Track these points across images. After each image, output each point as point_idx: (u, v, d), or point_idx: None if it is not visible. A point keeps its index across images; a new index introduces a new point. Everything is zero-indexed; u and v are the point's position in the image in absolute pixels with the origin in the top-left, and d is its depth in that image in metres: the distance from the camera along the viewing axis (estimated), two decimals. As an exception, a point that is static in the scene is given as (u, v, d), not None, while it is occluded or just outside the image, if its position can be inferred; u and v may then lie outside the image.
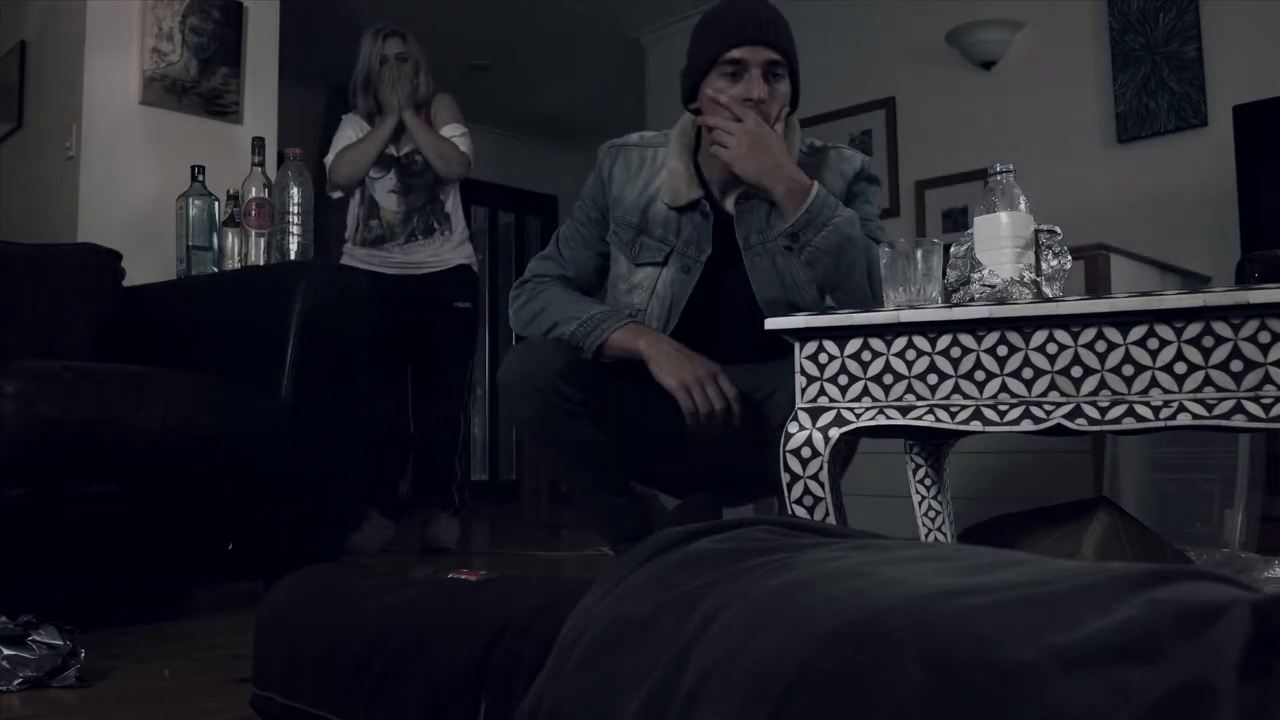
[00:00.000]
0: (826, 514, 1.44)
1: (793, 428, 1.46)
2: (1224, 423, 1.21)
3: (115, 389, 1.96)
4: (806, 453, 1.44)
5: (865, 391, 1.43)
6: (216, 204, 2.79)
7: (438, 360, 3.46)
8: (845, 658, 0.61)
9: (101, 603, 1.96)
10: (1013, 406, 1.34)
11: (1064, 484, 2.54)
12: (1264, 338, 1.20)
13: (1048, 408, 1.31)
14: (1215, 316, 1.22)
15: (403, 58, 3.38)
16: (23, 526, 1.85)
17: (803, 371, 1.48)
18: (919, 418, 1.39)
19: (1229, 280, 2.56)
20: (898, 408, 1.41)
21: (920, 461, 1.91)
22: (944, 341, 1.38)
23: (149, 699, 1.42)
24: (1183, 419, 1.24)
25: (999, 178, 1.46)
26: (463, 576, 1.33)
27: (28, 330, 2.43)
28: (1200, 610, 0.57)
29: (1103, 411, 1.28)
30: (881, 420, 1.42)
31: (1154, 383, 1.25)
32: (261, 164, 2.76)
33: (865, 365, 1.43)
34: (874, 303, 1.60)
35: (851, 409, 1.44)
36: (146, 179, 3.04)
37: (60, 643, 1.45)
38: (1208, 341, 1.23)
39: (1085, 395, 1.29)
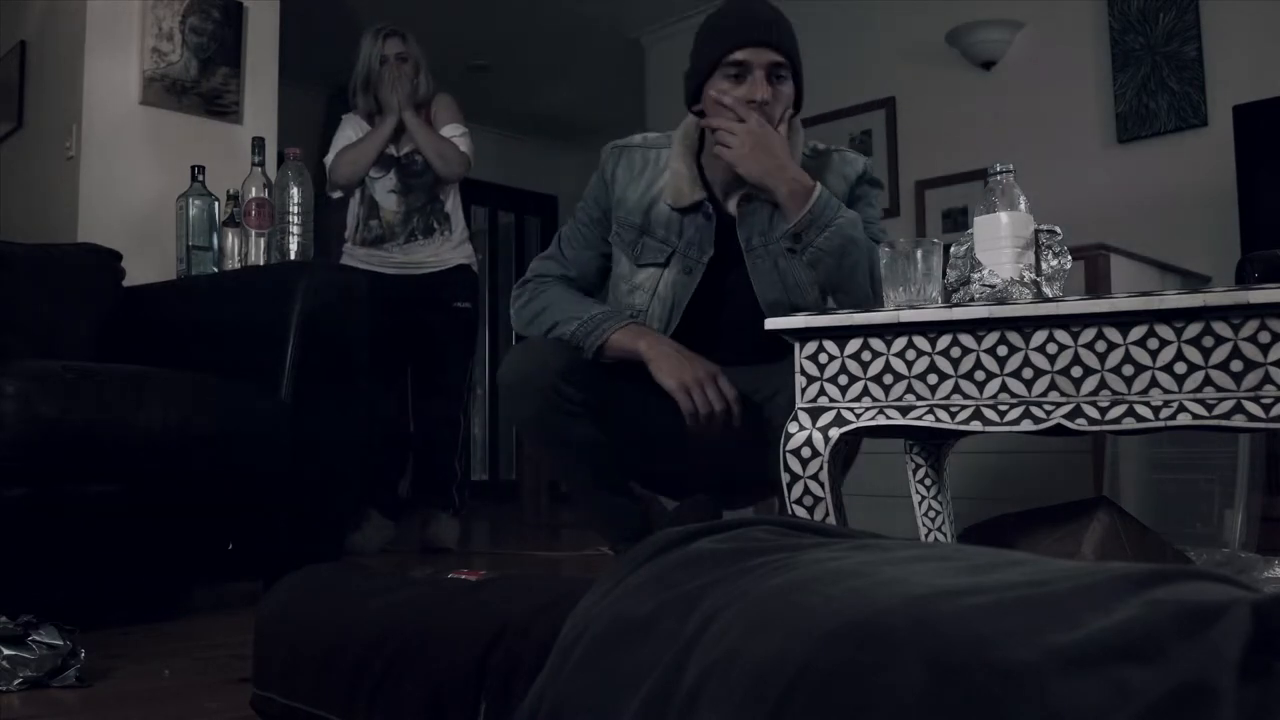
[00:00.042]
0: (826, 514, 1.44)
1: (793, 428, 1.46)
2: (1224, 423, 1.21)
3: (115, 389, 1.96)
4: (806, 453, 1.44)
5: (865, 391, 1.43)
6: (216, 204, 2.79)
7: (438, 360, 3.46)
8: (845, 658, 0.61)
9: (101, 603, 1.96)
10: (1013, 406, 1.34)
11: (1064, 484, 2.54)
12: (1264, 338, 1.20)
13: (1048, 408, 1.31)
14: (1215, 316, 1.22)
15: (403, 58, 3.38)
16: (23, 526, 1.85)
17: (803, 371, 1.48)
18: (919, 418, 1.39)
19: (1229, 280, 2.56)
20: (898, 408, 1.41)
21: (920, 461, 1.91)
22: (944, 341, 1.38)
23: (149, 699, 1.42)
24: (1183, 419, 1.24)
25: (999, 178, 1.46)
26: (463, 576, 1.33)
27: (28, 330, 2.43)
28: (1200, 610, 0.57)
29: (1103, 411, 1.28)
30: (881, 420, 1.42)
31: (1154, 383, 1.25)
32: (261, 164, 2.76)
33: (865, 365, 1.43)
34: (875, 304, 1.60)
35: (851, 409, 1.44)
36: (146, 179, 3.04)
37: (60, 643, 1.45)
38: (1208, 341, 1.23)
39: (1085, 395, 1.29)
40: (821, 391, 1.46)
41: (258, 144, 2.80)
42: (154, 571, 2.10)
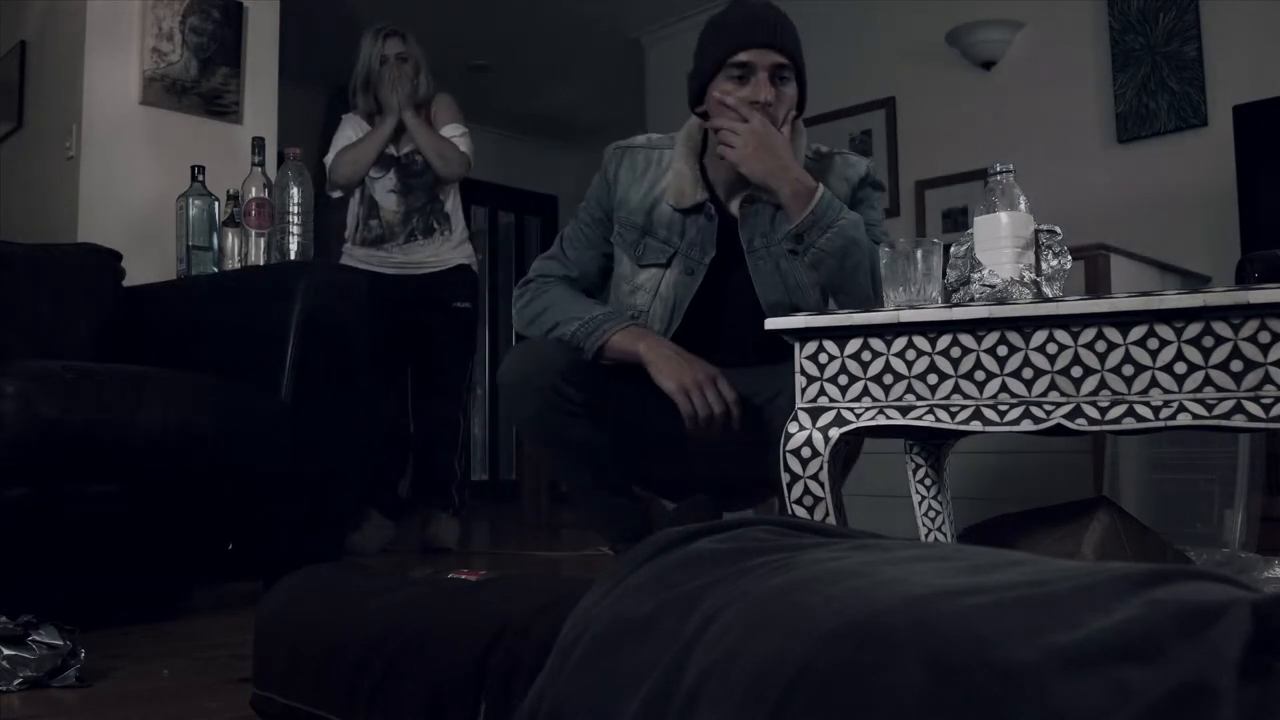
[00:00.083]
0: (826, 514, 1.44)
1: (793, 428, 1.46)
2: (1224, 423, 1.21)
3: (115, 389, 1.96)
4: (806, 453, 1.44)
5: (865, 391, 1.43)
6: (216, 204, 2.79)
7: (437, 360, 3.46)
8: (845, 658, 0.61)
9: (101, 603, 1.96)
10: (1013, 406, 1.34)
11: (1064, 484, 2.54)
12: (1264, 338, 1.20)
13: (1048, 408, 1.31)
14: (1215, 316, 1.22)
15: (403, 58, 3.38)
16: (23, 526, 1.85)
17: (803, 371, 1.48)
18: (919, 418, 1.39)
19: (1229, 280, 2.56)
20: (898, 408, 1.41)
21: (920, 461, 1.91)
22: (944, 341, 1.38)
23: (149, 699, 1.42)
24: (1183, 419, 1.24)
25: (999, 178, 1.46)
26: (463, 576, 1.33)
27: (28, 330, 2.43)
28: (1200, 610, 0.57)
29: (1103, 411, 1.28)
30: (881, 420, 1.42)
31: (1154, 383, 1.25)
32: (261, 164, 2.76)
33: (865, 365, 1.43)
34: (876, 305, 1.60)
35: (851, 409, 1.44)
36: (146, 179, 3.04)
37: (60, 643, 1.45)
38: (1208, 341, 1.23)
39: (1085, 395, 1.29)
40: (821, 391, 1.46)
41: (258, 144, 2.80)
42: (154, 571, 2.10)
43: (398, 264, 3.37)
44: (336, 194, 3.45)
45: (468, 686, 0.91)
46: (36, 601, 1.53)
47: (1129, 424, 1.27)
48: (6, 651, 1.41)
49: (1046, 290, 1.39)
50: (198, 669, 1.61)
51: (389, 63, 3.36)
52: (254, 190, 2.71)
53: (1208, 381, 1.22)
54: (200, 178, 2.79)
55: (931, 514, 1.91)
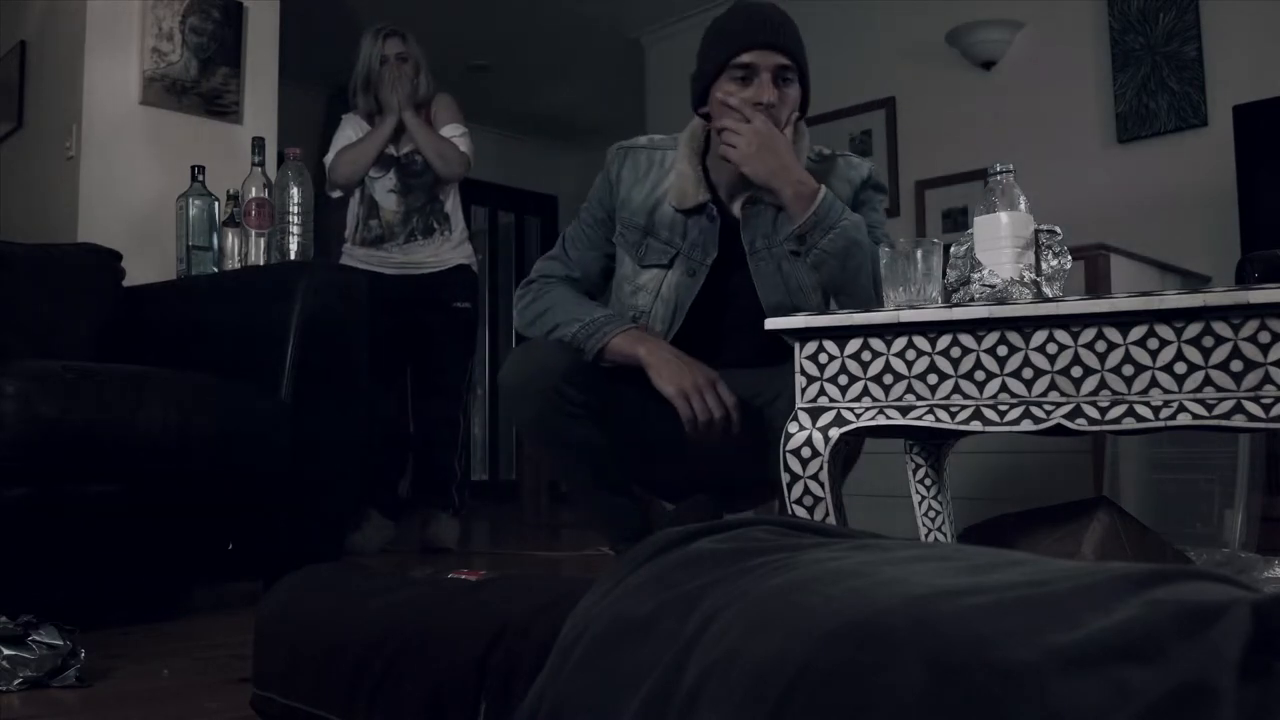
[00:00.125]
0: (826, 514, 1.44)
1: (792, 428, 1.46)
2: (1224, 423, 1.21)
3: (115, 389, 1.96)
4: (806, 453, 1.44)
5: (865, 391, 1.43)
6: (216, 204, 2.79)
7: (437, 360, 3.46)
8: (845, 658, 0.61)
9: (101, 603, 1.96)
10: (1013, 406, 1.34)
11: (1064, 484, 2.54)
12: (1264, 338, 1.20)
13: (1048, 408, 1.31)
14: (1215, 316, 1.22)
15: (403, 58, 3.38)
16: (23, 526, 1.85)
17: (803, 371, 1.48)
18: (919, 418, 1.39)
19: (1229, 280, 2.56)
20: (898, 408, 1.41)
21: (920, 461, 1.91)
22: (944, 341, 1.38)
23: (149, 699, 1.42)
24: (1183, 419, 1.24)
25: (999, 178, 1.46)
26: (463, 576, 1.33)
27: (28, 330, 2.43)
28: (1200, 610, 0.57)
29: (1103, 411, 1.28)
30: (881, 420, 1.42)
31: (1154, 383, 1.25)
32: (261, 164, 2.76)
33: (865, 365, 1.43)
34: (876, 305, 1.60)
35: (851, 409, 1.44)
36: (146, 179, 3.04)
37: (60, 643, 1.45)
38: (1208, 341, 1.23)
39: (1085, 395, 1.29)
40: (821, 391, 1.46)
41: (258, 144, 2.80)
42: (154, 571, 2.10)
43: (398, 264, 3.37)
44: (336, 194, 3.45)
45: (468, 686, 0.91)
46: (36, 601, 1.53)
47: (1129, 424, 1.27)
48: (6, 651, 1.41)
49: (1046, 290, 1.39)
50: (198, 669, 1.61)
51: (389, 63, 3.36)
52: (254, 190, 2.71)
53: (1208, 381, 1.22)
54: (200, 178, 2.79)
55: (931, 514, 1.91)
